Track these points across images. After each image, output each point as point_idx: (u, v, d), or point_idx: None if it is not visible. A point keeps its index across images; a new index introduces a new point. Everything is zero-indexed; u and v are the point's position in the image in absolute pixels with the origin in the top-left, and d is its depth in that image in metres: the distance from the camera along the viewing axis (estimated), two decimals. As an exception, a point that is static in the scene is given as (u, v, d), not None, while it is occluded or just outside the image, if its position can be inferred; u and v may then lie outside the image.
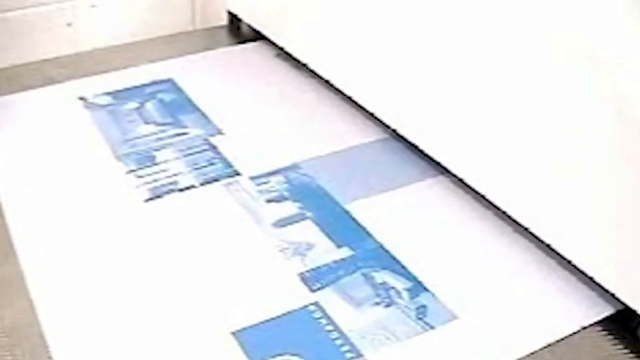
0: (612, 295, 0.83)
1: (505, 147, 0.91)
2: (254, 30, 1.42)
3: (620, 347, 0.81)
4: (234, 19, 1.51)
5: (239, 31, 1.51)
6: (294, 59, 1.33)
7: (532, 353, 0.80)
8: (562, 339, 0.82)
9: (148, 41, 1.48)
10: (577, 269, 0.87)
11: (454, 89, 0.96)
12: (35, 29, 1.40)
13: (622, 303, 0.83)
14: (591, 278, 0.85)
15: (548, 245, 0.89)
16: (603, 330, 0.83)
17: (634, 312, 0.81)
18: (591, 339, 0.82)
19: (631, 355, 0.80)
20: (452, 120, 0.98)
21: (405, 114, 1.08)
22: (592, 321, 0.84)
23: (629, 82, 0.74)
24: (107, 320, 0.82)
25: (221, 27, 1.54)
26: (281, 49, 1.36)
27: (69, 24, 1.43)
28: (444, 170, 1.05)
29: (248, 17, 1.44)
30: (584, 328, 0.83)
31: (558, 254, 0.88)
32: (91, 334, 0.81)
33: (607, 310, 0.85)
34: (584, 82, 0.78)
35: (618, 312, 0.84)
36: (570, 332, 0.82)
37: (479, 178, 0.97)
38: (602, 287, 0.84)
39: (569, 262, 0.87)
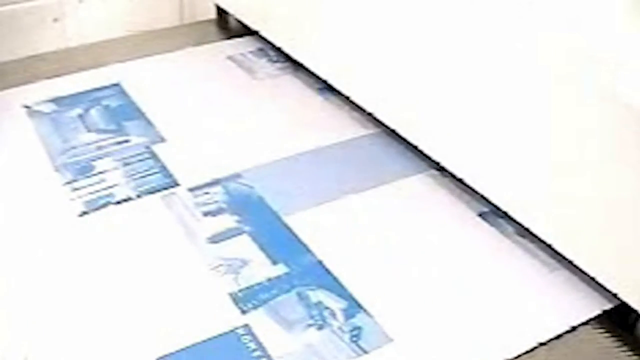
0: (607, 290, 0.81)
1: (503, 145, 0.88)
2: (243, 24, 1.38)
3: (618, 343, 0.79)
4: (222, 13, 1.47)
5: (227, 25, 1.47)
6: (248, 59, 1.29)
7: (529, 351, 0.77)
8: (558, 337, 0.79)
9: (131, 37, 1.44)
10: (570, 263, 0.84)
11: (453, 89, 0.93)
12: (21, 25, 1.36)
13: (618, 299, 0.81)
14: (585, 272, 0.83)
15: (540, 240, 0.87)
16: (599, 327, 0.81)
17: (630, 307, 0.79)
18: (588, 336, 0.80)
19: (630, 352, 0.78)
20: (451, 118, 0.95)
21: (397, 113, 1.05)
22: (587, 318, 0.81)
23: (629, 82, 0.71)
24: (23, 342, 0.77)
25: (209, 21, 1.50)
26: (269, 43, 1.32)
27: (56, 20, 1.39)
28: (410, 174, 1.02)
29: (236, 11, 1.40)
30: (581, 325, 0.80)
31: (552, 248, 0.86)
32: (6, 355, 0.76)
33: (602, 306, 0.82)
34: (584, 82, 0.75)
35: (613, 308, 0.82)
36: (564, 330, 0.79)
37: (475, 176, 0.94)
38: (597, 282, 0.82)
39: (562, 256, 0.85)
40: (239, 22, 1.40)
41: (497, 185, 0.91)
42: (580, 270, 0.83)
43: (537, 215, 0.87)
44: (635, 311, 0.78)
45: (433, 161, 1.03)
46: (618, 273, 0.79)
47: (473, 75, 0.89)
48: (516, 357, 0.77)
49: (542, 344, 0.78)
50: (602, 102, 0.74)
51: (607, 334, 0.80)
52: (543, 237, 0.87)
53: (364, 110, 1.14)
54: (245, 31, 1.40)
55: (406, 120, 1.03)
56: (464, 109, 0.92)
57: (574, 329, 0.80)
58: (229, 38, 1.42)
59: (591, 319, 0.81)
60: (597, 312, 0.82)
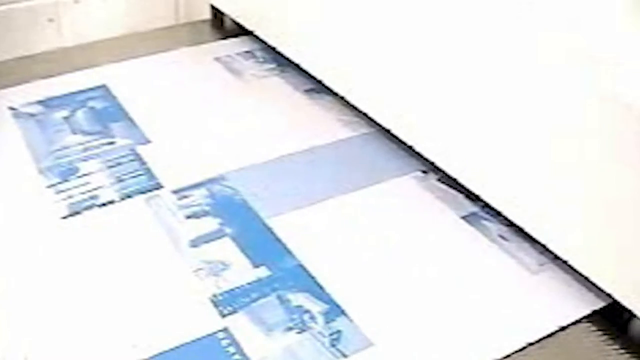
0: (599, 289, 0.81)
1: (502, 145, 0.87)
2: (238, 25, 1.38)
3: (610, 342, 0.79)
4: (217, 13, 1.47)
5: (222, 26, 1.47)
6: (234, 63, 1.28)
7: (522, 349, 0.77)
8: (550, 336, 0.79)
9: (123, 38, 1.44)
10: (564, 263, 0.84)
11: (454, 89, 0.92)
12: (16, 25, 1.35)
13: (610, 297, 0.80)
14: (577, 271, 0.83)
15: (528, 240, 0.87)
16: (592, 325, 0.81)
17: (622, 305, 0.79)
18: (581, 334, 0.80)
19: (622, 351, 0.78)
20: (451, 118, 0.95)
21: (395, 113, 1.04)
22: (577, 317, 0.81)
23: (629, 82, 0.72)
24: (24, 341, 0.77)
25: (204, 21, 1.50)
26: (260, 44, 1.32)
27: (51, 20, 1.39)
28: (395, 176, 1.02)
29: (231, 11, 1.39)
30: (572, 324, 0.80)
31: (543, 247, 0.86)
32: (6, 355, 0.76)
33: (592, 306, 0.82)
34: (584, 81, 0.75)
35: (607, 307, 0.82)
36: (554, 329, 0.79)
37: (472, 176, 0.94)
38: (589, 281, 0.82)
39: (552, 256, 0.85)
40: (234, 22, 1.40)
41: (494, 185, 0.91)
42: (571, 269, 0.83)
43: (533, 215, 0.86)
44: (628, 310, 0.78)
45: (419, 163, 1.02)
46: (615, 274, 0.79)
47: (473, 75, 0.89)
48: (506, 357, 0.76)
49: (531, 344, 0.78)
50: (602, 102, 0.74)
51: (599, 333, 0.80)
52: (537, 237, 0.86)
53: (351, 112, 1.14)
54: (239, 31, 1.40)
55: (405, 120, 1.03)
56: (464, 109, 0.92)
57: (564, 328, 0.80)
58: (222, 39, 1.41)
59: (583, 318, 0.81)
60: (587, 311, 0.81)
